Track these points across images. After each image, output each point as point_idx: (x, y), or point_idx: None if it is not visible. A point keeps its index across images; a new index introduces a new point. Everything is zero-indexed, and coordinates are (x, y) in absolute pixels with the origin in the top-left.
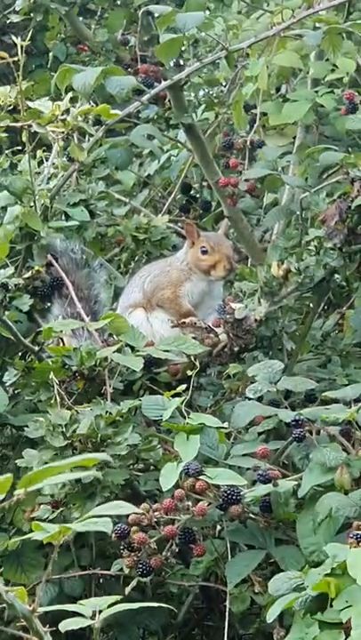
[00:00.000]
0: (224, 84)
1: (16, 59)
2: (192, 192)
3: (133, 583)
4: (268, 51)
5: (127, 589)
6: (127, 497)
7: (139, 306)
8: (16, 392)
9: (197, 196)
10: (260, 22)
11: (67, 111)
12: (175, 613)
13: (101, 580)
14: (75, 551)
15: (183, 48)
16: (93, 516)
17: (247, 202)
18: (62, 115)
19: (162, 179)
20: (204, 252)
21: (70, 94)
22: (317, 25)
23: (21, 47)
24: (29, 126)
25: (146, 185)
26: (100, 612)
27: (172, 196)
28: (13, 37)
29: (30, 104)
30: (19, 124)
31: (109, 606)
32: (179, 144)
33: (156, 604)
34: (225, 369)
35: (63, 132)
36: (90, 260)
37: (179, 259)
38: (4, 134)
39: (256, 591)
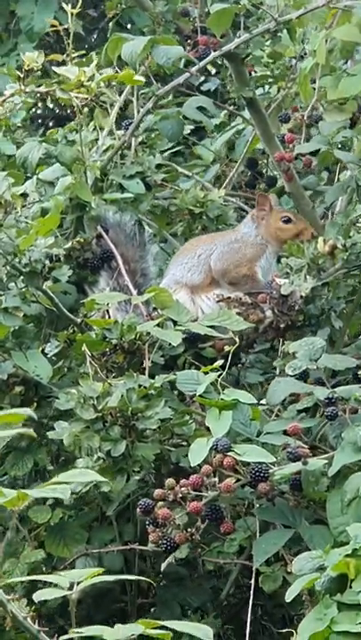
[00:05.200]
0: (288, 58)
1: (66, 26)
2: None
3: (170, 559)
4: (329, 24)
5: (163, 566)
6: (170, 472)
7: (188, 287)
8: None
9: (264, 171)
10: None
11: (92, 77)
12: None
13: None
14: (117, 526)
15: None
16: (57, 483)
17: (310, 178)
18: (88, 81)
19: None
20: (288, 221)
21: (95, 61)
22: None
23: (71, 14)
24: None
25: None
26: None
27: (235, 170)
28: (64, 5)
29: (56, 69)
30: (43, 90)
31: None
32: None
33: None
34: (276, 346)
35: (87, 99)
36: (142, 232)
37: (249, 234)
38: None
39: (289, 571)
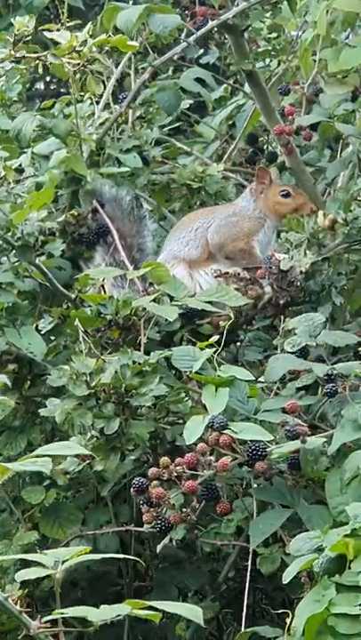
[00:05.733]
0: (288, 32)
1: None
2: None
3: (165, 541)
4: None
5: (158, 547)
6: (166, 451)
7: (185, 262)
8: (53, 340)
9: (265, 147)
10: None
11: (84, 43)
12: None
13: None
14: (113, 508)
15: None
16: (37, 456)
17: (311, 153)
18: (80, 46)
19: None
20: (286, 195)
21: (88, 27)
22: None
23: None
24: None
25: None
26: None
27: (234, 145)
28: None
29: (47, 34)
30: (33, 55)
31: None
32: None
33: (127, 557)
34: (275, 323)
35: (79, 64)
36: (138, 207)
37: (247, 207)
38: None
39: (287, 552)
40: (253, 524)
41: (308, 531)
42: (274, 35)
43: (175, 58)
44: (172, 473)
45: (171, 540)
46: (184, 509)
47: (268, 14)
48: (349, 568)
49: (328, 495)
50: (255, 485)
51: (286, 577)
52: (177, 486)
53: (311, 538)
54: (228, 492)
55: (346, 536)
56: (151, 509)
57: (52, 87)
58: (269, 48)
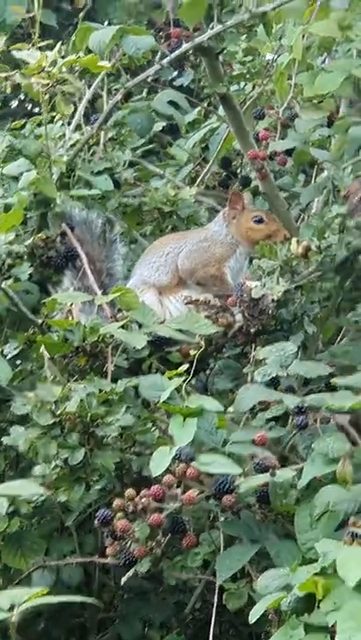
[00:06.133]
0: (264, 56)
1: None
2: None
3: (130, 573)
4: (307, 20)
5: (123, 580)
6: (133, 482)
7: (155, 288)
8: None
9: (238, 171)
10: None
11: (54, 62)
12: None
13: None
14: (78, 537)
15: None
16: None
17: (285, 179)
18: (50, 66)
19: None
20: (259, 221)
21: (58, 46)
22: None
23: (38, 2)
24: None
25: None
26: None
27: (207, 169)
28: None
29: (16, 54)
30: (2, 75)
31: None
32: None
33: (84, 599)
34: (246, 352)
35: (48, 84)
36: (109, 231)
37: (219, 232)
38: None
39: (255, 587)
40: (220, 558)
41: (276, 566)
42: (249, 58)
43: (149, 80)
44: (138, 505)
45: (136, 573)
46: (149, 542)
47: (243, 37)
48: (318, 608)
49: (297, 530)
50: (223, 519)
51: (253, 616)
52: (142, 518)
53: (279, 575)
54: (195, 525)
55: (315, 574)
56: (115, 542)
57: (26, 106)
58: (244, 71)
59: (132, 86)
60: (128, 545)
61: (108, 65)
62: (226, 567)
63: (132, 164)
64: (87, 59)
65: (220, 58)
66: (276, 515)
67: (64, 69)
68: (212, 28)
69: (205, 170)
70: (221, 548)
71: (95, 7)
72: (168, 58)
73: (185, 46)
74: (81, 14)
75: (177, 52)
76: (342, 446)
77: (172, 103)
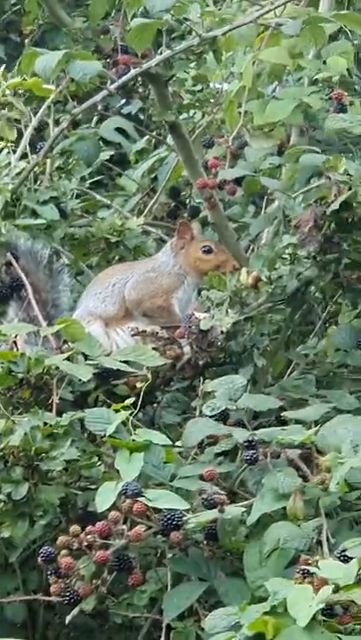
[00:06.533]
0: (213, 83)
1: None
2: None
3: (75, 612)
4: (258, 46)
5: (67, 618)
6: (79, 517)
7: (102, 319)
8: None
9: (187, 201)
10: (245, 13)
11: None
12: None
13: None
14: (21, 574)
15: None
16: None
17: (235, 209)
18: None
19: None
20: (208, 252)
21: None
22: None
23: None
24: None
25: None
26: None
27: (155, 198)
28: None
29: None
30: None
31: None
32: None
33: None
34: (194, 384)
35: None
36: (55, 261)
37: (166, 263)
38: None
39: (203, 627)
40: (167, 596)
41: (224, 605)
42: (198, 87)
43: (99, 108)
44: (83, 542)
45: (81, 611)
46: (95, 580)
47: (192, 64)
48: None
49: (246, 568)
50: (170, 556)
51: None
52: (88, 555)
53: (228, 614)
54: (142, 561)
55: (265, 613)
56: (60, 580)
57: None
58: (193, 101)
59: (79, 113)
60: (73, 583)
61: (52, 88)
62: (173, 606)
63: (78, 194)
64: (31, 81)
65: (170, 87)
66: (224, 552)
67: (7, 92)
68: (161, 53)
69: (153, 200)
70: (169, 586)
71: (45, 39)
72: (116, 83)
73: (133, 71)
74: (27, 40)
75: (125, 78)
76: (293, 482)
77: (121, 131)
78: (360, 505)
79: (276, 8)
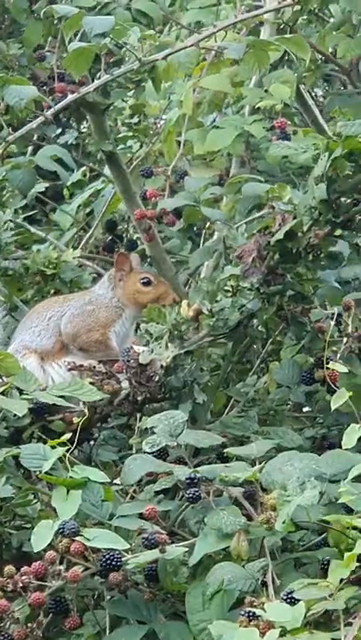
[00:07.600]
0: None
1: None
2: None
3: None
4: (198, 74)
5: None
6: (13, 558)
7: (37, 353)
8: None
9: (124, 235)
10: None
11: None
12: None
13: None
14: None
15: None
16: None
17: (174, 242)
18: None
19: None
20: (147, 284)
21: None
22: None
23: None
24: None
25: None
26: None
27: (92, 231)
28: None
29: None
30: None
31: None
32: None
33: None
34: (132, 421)
35: None
36: None
37: (104, 295)
38: None
39: None
40: None
41: None
42: (135, 120)
43: (35, 138)
44: (18, 583)
45: None
46: (30, 623)
47: (130, 93)
48: None
49: (188, 610)
50: (108, 598)
51: None
52: (22, 597)
53: None
54: (79, 604)
55: None
56: None
57: None
58: (130, 133)
59: (13, 140)
60: (7, 626)
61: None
62: None
63: (12, 228)
64: None
65: (107, 117)
66: (165, 593)
67: None
68: (99, 78)
69: (89, 233)
70: (107, 630)
71: None
72: (52, 110)
73: (69, 97)
74: None
75: (61, 104)
76: (237, 520)
77: (58, 160)
78: (304, 545)
79: (217, 32)
